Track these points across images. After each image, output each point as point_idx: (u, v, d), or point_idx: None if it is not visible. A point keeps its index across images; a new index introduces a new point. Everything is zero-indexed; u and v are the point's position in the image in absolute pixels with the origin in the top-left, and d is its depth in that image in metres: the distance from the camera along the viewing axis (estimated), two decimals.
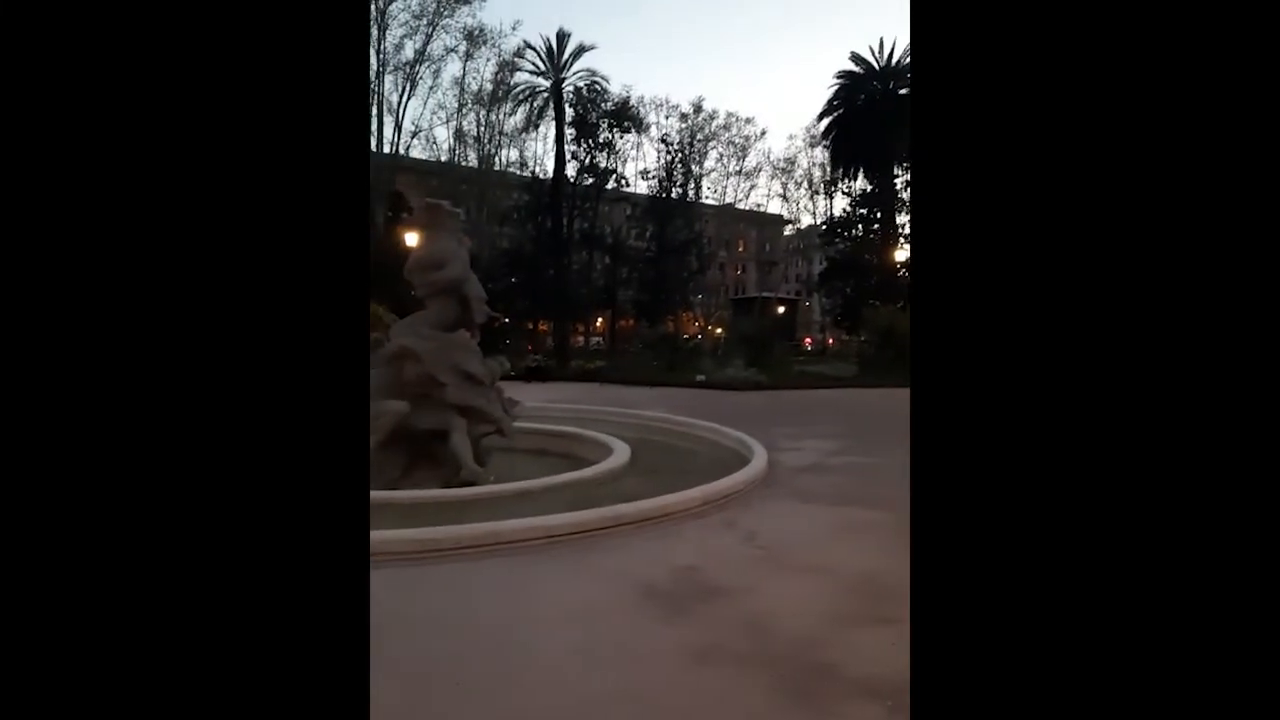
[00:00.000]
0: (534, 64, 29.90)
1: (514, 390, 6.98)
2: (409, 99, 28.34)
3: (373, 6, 25.23)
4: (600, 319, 35.54)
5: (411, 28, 26.45)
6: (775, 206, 40.71)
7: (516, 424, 6.11)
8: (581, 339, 34.17)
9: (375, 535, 3.47)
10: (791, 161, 36.69)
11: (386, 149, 27.05)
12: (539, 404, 9.02)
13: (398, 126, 27.32)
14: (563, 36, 29.76)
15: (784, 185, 37.24)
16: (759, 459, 5.80)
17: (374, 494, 4.82)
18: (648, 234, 32.64)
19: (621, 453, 6.18)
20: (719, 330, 35.45)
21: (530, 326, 30.05)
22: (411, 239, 9.06)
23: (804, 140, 37.08)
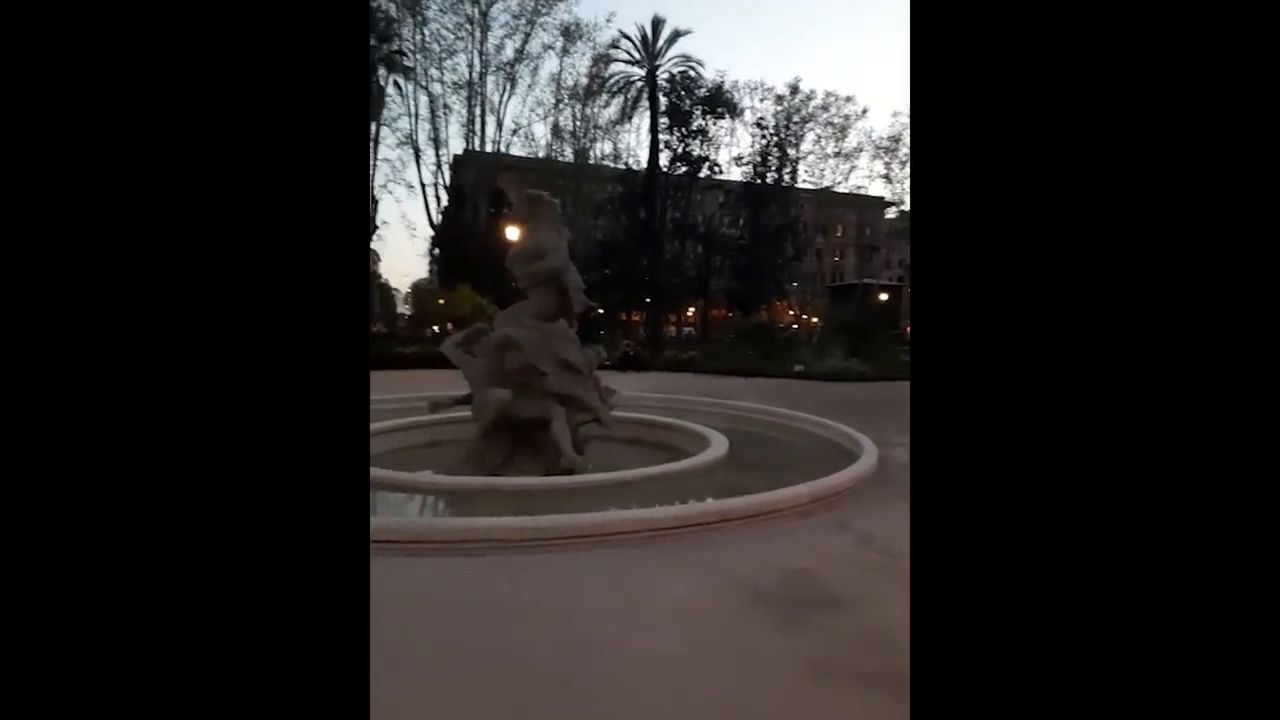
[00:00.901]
0: (629, 53, 30.04)
1: (609, 379, 6.97)
2: (509, 98, 29.34)
3: (475, 9, 26.25)
4: (692, 308, 35.29)
5: (511, 28, 27.28)
6: (877, 188, 38.63)
7: (613, 413, 6.10)
8: (674, 329, 34.10)
9: (482, 522, 3.54)
10: (896, 140, 34.52)
11: (489, 147, 28.13)
12: (634, 393, 9.01)
13: (499, 125, 28.34)
14: (657, 24, 29.67)
15: (887, 165, 35.14)
16: (869, 454, 5.44)
17: (479, 480, 4.97)
18: (741, 221, 31.98)
19: (719, 445, 6.01)
20: (815, 319, 34.18)
21: (624, 317, 30.35)
22: (513, 233, 9.32)
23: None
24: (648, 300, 29.48)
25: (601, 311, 22.25)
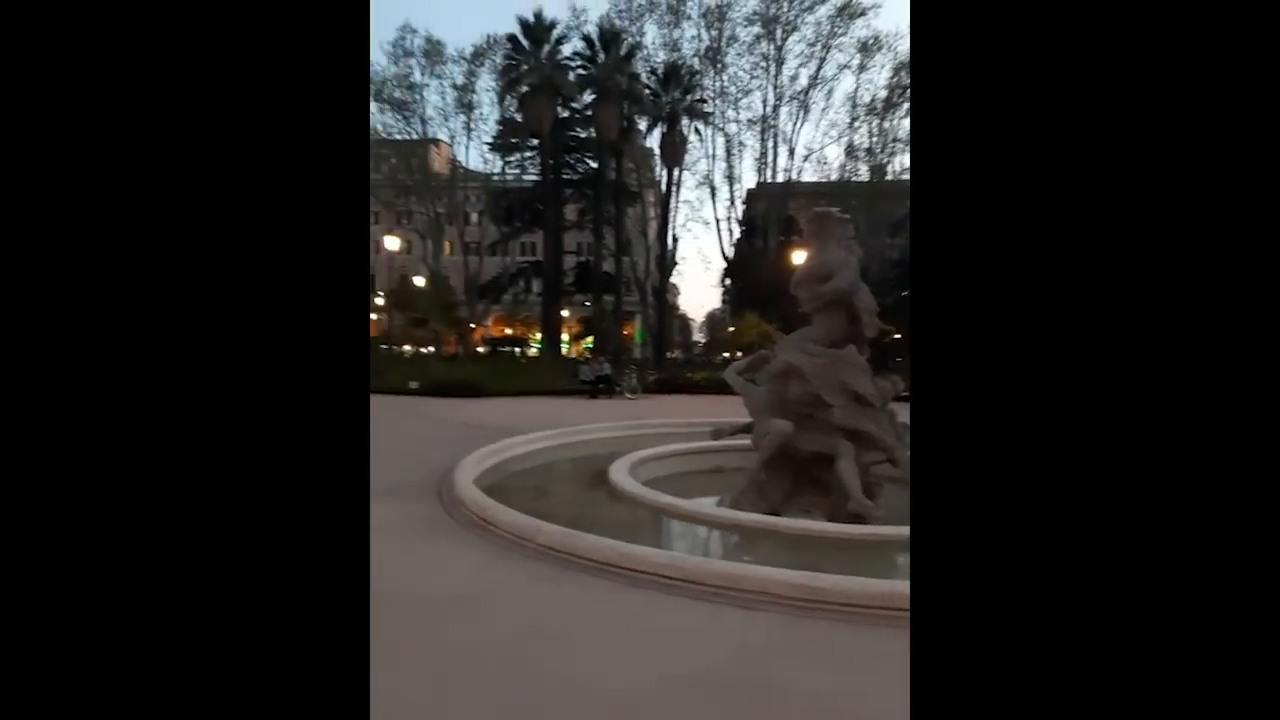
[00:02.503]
0: None
1: (908, 414, 6.02)
2: (802, 125, 29.28)
3: (770, 46, 26.90)
4: None
5: (806, 56, 27.19)
6: None
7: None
8: None
9: (757, 571, 3.19)
10: None
11: (780, 177, 28.34)
12: None
13: (791, 153, 28.35)
14: None
15: None
16: None
17: (758, 518, 4.65)
18: None
19: None
20: None
21: None
22: (800, 257, 8.96)
23: None
24: None
25: (899, 337, 20.19)
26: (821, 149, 34.73)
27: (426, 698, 2.16)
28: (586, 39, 29.19)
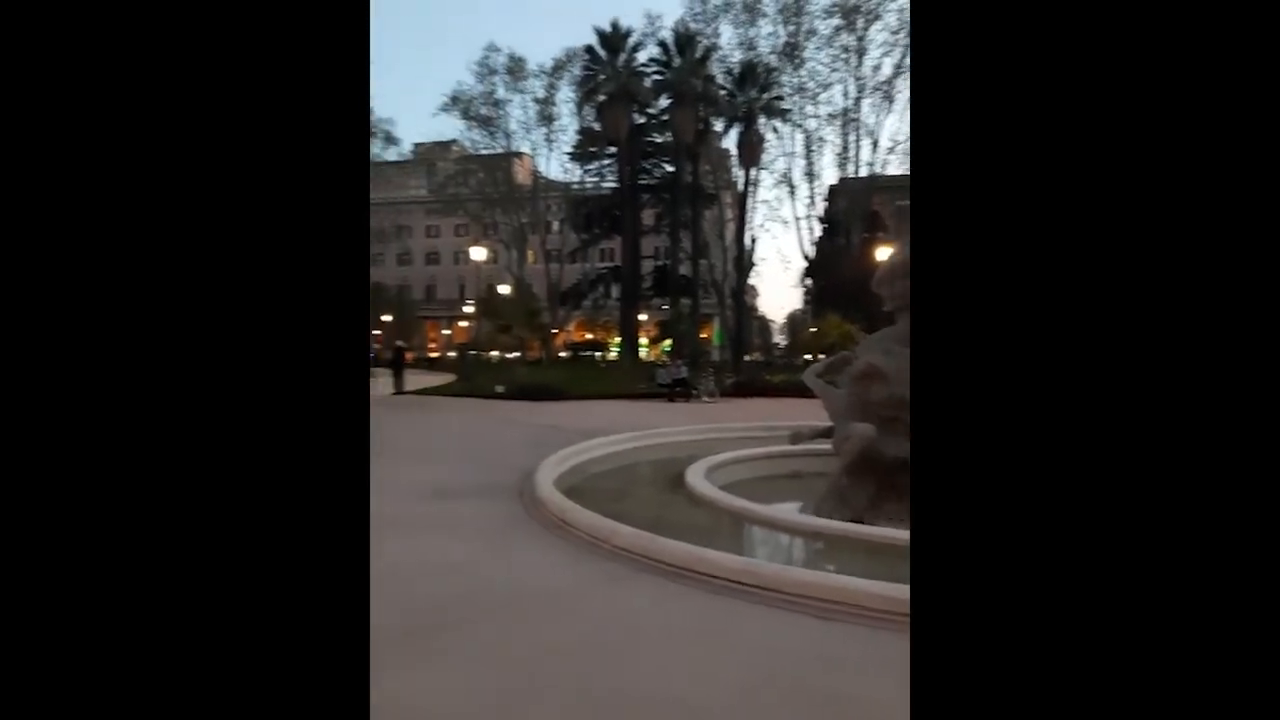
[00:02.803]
0: None
1: None
2: (886, 116, 28.05)
3: (852, 37, 25.99)
4: None
5: (890, 44, 26.06)
6: None
7: None
8: None
9: (837, 580, 3.09)
10: None
11: (864, 171, 27.29)
12: None
13: (874, 146, 27.24)
14: None
15: None
16: None
17: (840, 525, 4.50)
18: None
19: None
20: None
21: None
22: (884, 254, 8.60)
23: None
24: None
25: None
26: (907, 140, 33.16)
27: (496, 696, 2.24)
28: (662, 44, 29.39)
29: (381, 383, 16.59)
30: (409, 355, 21.12)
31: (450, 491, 5.34)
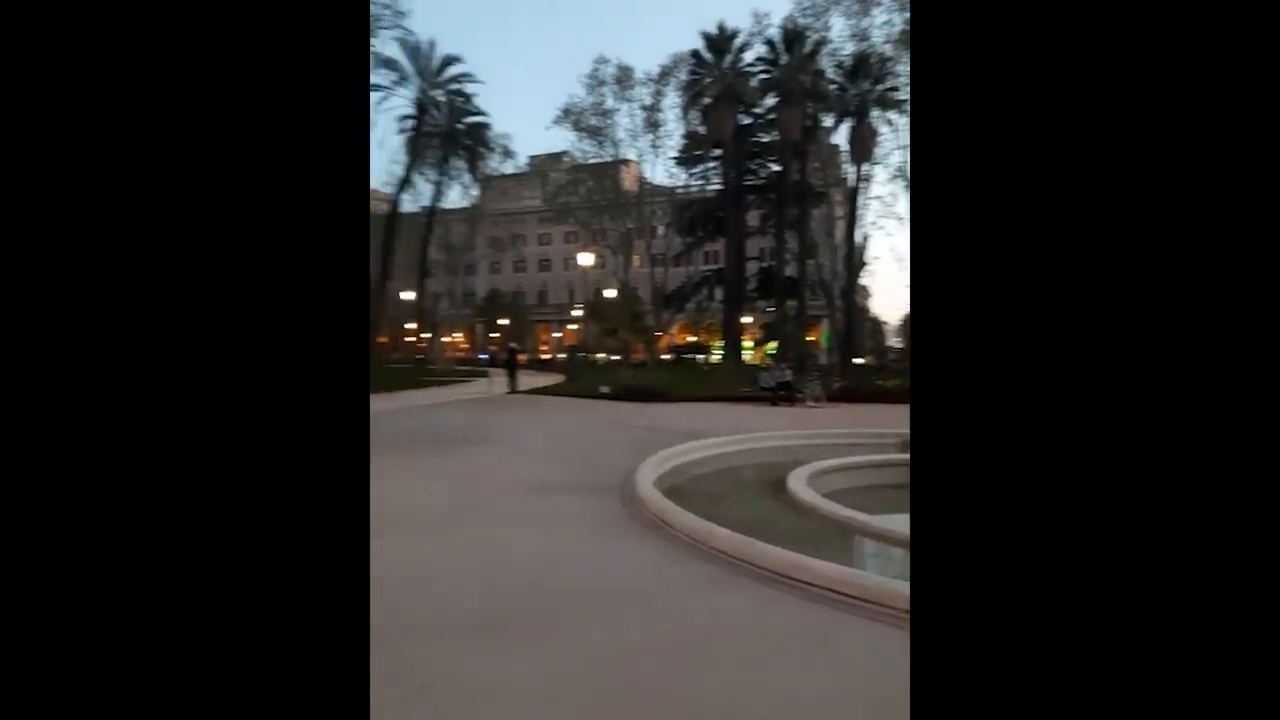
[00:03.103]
0: None
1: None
2: None
3: None
4: None
5: None
6: None
7: None
8: None
9: None
10: None
11: None
12: None
13: None
14: None
15: None
16: None
17: None
18: None
19: None
20: None
21: None
22: None
23: None
24: None
25: None
26: None
27: (590, 695, 2.32)
28: (769, 42, 28.85)
29: (497, 382, 17.61)
30: (521, 357, 22.20)
31: (552, 487, 5.58)
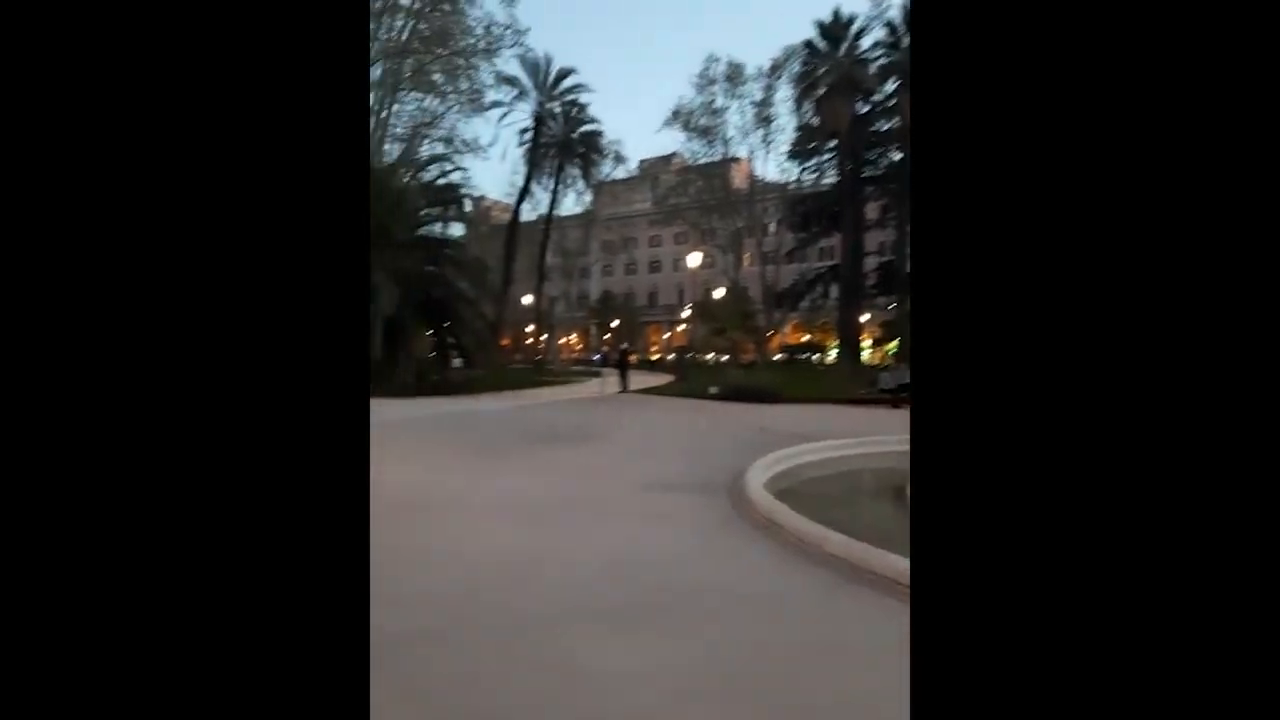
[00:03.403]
0: None
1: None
2: None
3: None
4: None
5: None
6: None
7: None
8: None
9: None
10: None
11: None
12: None
13: None
14: None
15: None
16: None
17: None
18: None
19: None
20: None
21: None
22: None
23: None
24: None
25: None
26: None
27: (710, 694, 2.34)
28: (889, 25, 27.35)
29: (609, 382, 18.10)
30: (633, 357, 22.67)
31: (662, 484, 5.66)
